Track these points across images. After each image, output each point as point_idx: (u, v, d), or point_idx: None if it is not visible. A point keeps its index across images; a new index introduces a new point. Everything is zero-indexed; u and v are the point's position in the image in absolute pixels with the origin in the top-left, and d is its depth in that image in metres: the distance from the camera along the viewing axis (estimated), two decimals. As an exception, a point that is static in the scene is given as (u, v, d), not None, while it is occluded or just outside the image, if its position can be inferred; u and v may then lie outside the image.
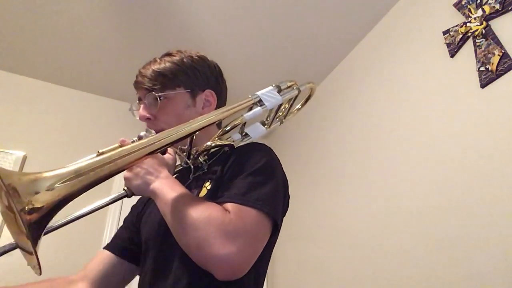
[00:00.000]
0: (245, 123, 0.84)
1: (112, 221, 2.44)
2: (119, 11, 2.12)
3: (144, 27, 2.23)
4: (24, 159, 2.35)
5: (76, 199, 0.62)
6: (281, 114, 0.99)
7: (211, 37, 2.30)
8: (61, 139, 2.51)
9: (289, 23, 2.20)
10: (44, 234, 0.64)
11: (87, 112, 2.71)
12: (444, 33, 1.65)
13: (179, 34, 2.26)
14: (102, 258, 0.94)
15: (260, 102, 0.85)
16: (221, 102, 1.00)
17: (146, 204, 0.99)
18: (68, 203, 0.60)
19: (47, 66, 2.53)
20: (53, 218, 0.61)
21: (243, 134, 0.87)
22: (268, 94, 0.86)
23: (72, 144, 2.47)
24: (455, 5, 1.61)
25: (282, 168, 0.84)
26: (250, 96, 0.85)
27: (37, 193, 0.56)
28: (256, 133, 0.89)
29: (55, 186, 0.58)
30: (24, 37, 2.29)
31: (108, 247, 0.97)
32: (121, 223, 2.57)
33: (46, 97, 2.62)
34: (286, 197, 0.84)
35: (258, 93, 0.86)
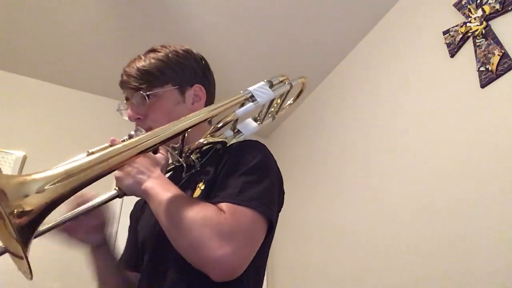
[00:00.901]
0: (237, 119, 0.83)
1: (112, 219, 2.43)
2: (118, 11, 2.12)
3: (144, 27, 2.23)
4: (24, 159, 2.35)
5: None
6: (273, 109, 0.98)
7: (211, 37, 2.29)
8: (61, 139, 2.50)
9: (289, 23, 2.19)
10: (35, 237, 0.63)
11: (87, 112, 2.70)
12: (444, 33, 1.64)
13: (179, 34, 2.26)
14: None
15: (252, 98, 0.84)
16: (210, 95, 0.98)
17: (143, 207, 0.98)
18: (59, 205, 0.59)
19: (47, 66, 2.53)
20: (45, 220, 0.61)
21: (235, 130, 0.86)
22: (260, 90, 0.85)
23: (72, 144, 2.47)
24: (455, 5, 1.60)
25: (276, 164, 0.83)
26: (242, 92, 0.84)
27: (26, 196, 0.55)
28: (249, 129, 0.88)
29: (45, 188, 0.57)
30: (24, 37, 2.29)
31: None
32: (121, 223, 2.58)
33: (46, 97, 2.61)
34: (281, 193, 0.83)
35: (250, 88, 0.85)
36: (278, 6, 2.07)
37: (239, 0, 2.06)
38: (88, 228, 0.82)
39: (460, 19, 1.57)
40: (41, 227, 0.65)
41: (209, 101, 0.97)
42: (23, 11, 2.11)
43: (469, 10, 1.53)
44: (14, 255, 0.60)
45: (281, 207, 0.84)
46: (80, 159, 0.63)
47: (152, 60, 0.90)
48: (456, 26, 1.58)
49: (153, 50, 0.94)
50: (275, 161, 0.83)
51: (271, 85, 0.89)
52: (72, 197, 0.64)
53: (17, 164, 2.30)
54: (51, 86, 2.66)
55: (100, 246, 0.86)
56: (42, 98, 2.60)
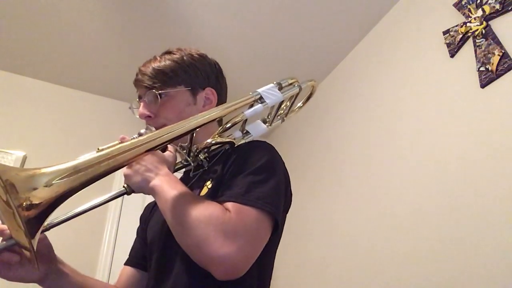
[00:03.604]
0: (245, 120, 0.84)
1: (113, 219, 2.44)
2: (119, 11, 2.13)
3: (144, 27, 2.23)
4: (24, 159, 2.36)
5: (76, 196, 0.62)
6: (282, 112, 0.98)
7: (212, 36, 2.30)
8: (61, 139, 2.51)
9: (289, 23, 2.20)
10: (42, 232, 0.64)
11: (87, 112, 2.71)
12: (444, 33, 1.65)
13: (179, 34, 2.27)
14: (125, 274, 0.98)
15: (261, 99, 0.84)
16: (222, 100, 1.00)
17: (153, 209, 1.00)
18: (66, 199, 0.60)
19: (47, 66, 2.53)
20: (52, 216, 0.61)
21: (244, 131, 0.86)
22: (269, 91, 0.86)
23: (72, 144, 2.47)
24: (455, 5, 1.61)
25: (284, 164, 0.83)
26: (250, 93, 0.84)
27: (35, 189, 0.56)
28: (257, 131, 0.88)
29: (54, 182, 0.58)
30: (24, 37, 2.29)
31: (126, 262, 1.00)
32: (121, 222, 2.58)
33: (46, 97, 2.62)
34: (288, 194, 0.83)
35: (259, 90, 0.85)
36: (278, 5, 2.08)
37: (240, 1, 2.06)
38: (21, 264, 0.69)
39: (460, 19, 1.58)
40: (49, 222, 0.66)
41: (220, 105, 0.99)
42: (23, 11, 2.11)
43: (469, 10, 1.54)
44: (22, 247, 0.61)
45: (289, 207, 0.84)
46: (89, 155, 0.63)
47: (167, 61, 0.92)
48: (456, 26, 1.59)
49: (169, 52, 0.96)
50: (283, 162, 0.83)
51: (280, 87, 0.90)
52: None
53: (17, 164, 2.31)
54: (51, 86, 2.66)
55: (44, 279, 0.76)
56: (42, 98, 2.61)
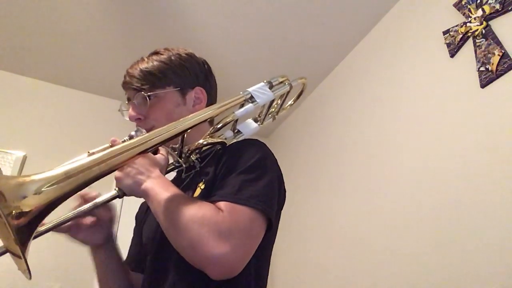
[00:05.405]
0: (237, 120, 0.84)
1: (112, 221, 2.43)
2: (119, 11, 2.12)
3: (144, 27, 2.23)
4: (24, 159, 2.36)
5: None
6: (273, 110, 0.98)
7: (211, 38, 2.29)
8: (61, 139, 2.51)
9: (289, 23, 2.19)
10: (34, 238, 0.63)
11: (87, 112, 2.71)
12: (444, 33, 1.64)
13: (179, 34, 2.26)
14: None
15: (251, 99, 0.84)
16: (211, 99, 0.99)
17: (148, 209, 0.99)
18: (57, 206, 0.59)
19: (47, 66, 2.53)
20: (46, 220, 0.61)
21: (235, 131, 0.86)
22: (260, 90, 0.85)
23: (72, 144, 2.46)
24: (455, 5, 1.60)
25: (277, 162, 0.83)
26: (241, 93, 0.84)
27: (24, 197, 0.55)
28: (249, 130, 0.88)
29: (43, 189, 0.57)
30: (24, 37, 2.29)
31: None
32: (121, 224, 2.58)
33: (46, 97, 2.62)
34: (282, 191, 0.82)
35: (249, 89, 0.85)
36: (277, 6, 2.07)
37: (237, 0, 2.06)
38: (89, 227, 0.82)
39: (460, 19, 1.57)
40: (41, 227, 0.65)
41: (210, 104, 0.97)
42: (22, 11, 2.11)
43: (469, 10, 1.53)
44: (14, 254, 0.60)
45: (283, 204, 0.84)
46: (80, 159, 0.63)
47: (155, 62, 0.91)
48: (456, 26, 1.58)
49: (156, 53, 0.95)
50: (275, 159, 0.83)
51: (271, 86, 0.89)
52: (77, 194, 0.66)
53: (17, 164, 2.30)
54: (51, 86, 2.66)
55: (101, 246, 0.86)
56: (42, 98, 2.60)
